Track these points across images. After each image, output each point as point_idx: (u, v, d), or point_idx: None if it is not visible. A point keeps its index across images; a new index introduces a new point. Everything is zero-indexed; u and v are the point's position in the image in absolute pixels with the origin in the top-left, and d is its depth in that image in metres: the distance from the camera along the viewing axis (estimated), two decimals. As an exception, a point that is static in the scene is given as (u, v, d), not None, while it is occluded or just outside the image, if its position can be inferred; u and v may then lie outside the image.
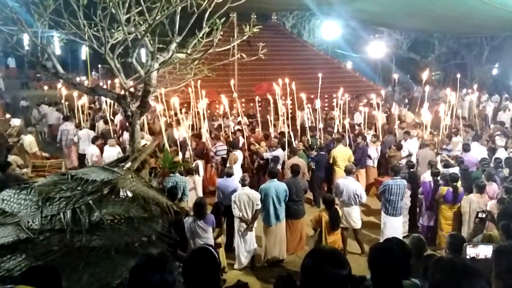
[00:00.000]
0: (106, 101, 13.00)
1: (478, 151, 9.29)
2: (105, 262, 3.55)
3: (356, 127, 12.00)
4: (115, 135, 11.22)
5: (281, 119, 11.35)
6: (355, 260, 6.43)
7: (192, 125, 11.51)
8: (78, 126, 11.97)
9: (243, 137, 10.22)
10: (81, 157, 11.22)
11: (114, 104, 13.05)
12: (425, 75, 12.62)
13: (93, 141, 10.15)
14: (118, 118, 13.20)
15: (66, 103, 14.79)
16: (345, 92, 13.17)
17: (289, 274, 3.99)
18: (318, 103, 11.46)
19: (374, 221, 8.54)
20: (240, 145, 9.96)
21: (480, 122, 13.07)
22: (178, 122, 11.45)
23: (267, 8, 15.46)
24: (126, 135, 11.00)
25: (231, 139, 10.26)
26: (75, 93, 12.90)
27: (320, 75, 12.50)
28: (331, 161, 9.54)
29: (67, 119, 12.57)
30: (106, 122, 12.25)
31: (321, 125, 11.32)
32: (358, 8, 11.77)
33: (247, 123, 12.39)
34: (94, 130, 12.04)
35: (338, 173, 9.20)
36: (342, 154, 9.45)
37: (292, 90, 11.26)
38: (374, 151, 10.23)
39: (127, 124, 11.97)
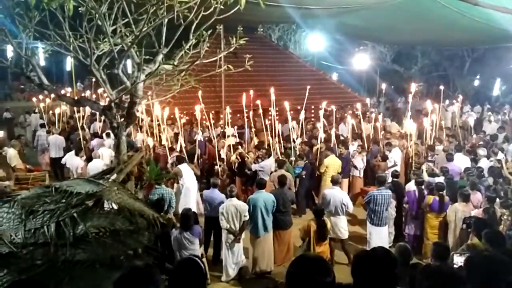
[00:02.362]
0: (84, 110, 13.67)
1: (461, 161, 9.46)
2: (90, 276, 3.48)
3: (342, 137, 12.09)
4: (84, 141, 11.56)
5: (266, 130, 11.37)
6: (342, 270, 6.43)
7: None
8: (49, 132, 12.71)
9: (203, 148, 10.48)
10: (52, 162, 12.12)
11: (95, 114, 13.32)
12: (413, 88, 12.81)
13: (76, 153, 10.25)
14: (96, 126, 13.83)
15: (51, 112, 15.30)
16: (331, 103, 13.27)
17: (276, 286, 3.98)
18: (302, 114, 11.47)
19: (361, 231, 8.57)
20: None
21: (463, 133, 13.29)
22: (137, 128, 11.71)
23: (253, 21, 15.60)
24: (94, 141, 11.55)
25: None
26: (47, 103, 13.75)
27: (308, 87, 12.46)
28: (322, 171, 9.60)
29: (43, 126, 13.61)
30: (76, 129, 12.75)
31: (297, 136, 11.37)
32: (342, 22, 11.96)
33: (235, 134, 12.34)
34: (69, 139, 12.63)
35: (327, 182, 9.24)
36: (334, 164, 9.53)
37: (278, 102, 11.32)
38: (360, 162, 10.31)
39: (99, 132, 12.51)
